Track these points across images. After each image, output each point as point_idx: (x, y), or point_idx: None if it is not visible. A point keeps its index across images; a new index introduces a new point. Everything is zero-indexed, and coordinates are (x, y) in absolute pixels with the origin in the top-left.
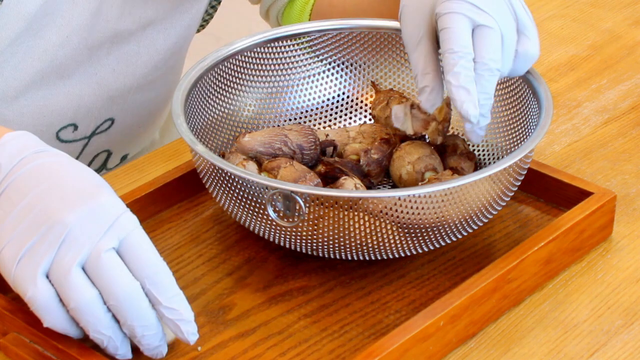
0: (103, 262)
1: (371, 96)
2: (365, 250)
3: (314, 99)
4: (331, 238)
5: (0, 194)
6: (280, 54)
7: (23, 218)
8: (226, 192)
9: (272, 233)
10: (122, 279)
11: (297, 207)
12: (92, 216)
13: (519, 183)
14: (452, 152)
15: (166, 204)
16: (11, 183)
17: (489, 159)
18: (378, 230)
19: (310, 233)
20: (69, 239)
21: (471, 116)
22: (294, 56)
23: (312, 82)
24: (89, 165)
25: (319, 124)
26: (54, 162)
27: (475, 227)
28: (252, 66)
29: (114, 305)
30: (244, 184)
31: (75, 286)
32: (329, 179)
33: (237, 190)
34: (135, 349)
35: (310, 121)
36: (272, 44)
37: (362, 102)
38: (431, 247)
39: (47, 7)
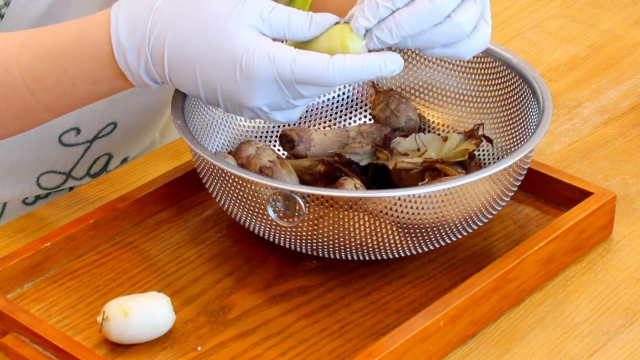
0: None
1: (371, 96)
2: (365, 250)
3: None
4: (331, 238)
5: None
6: None
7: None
8: (226, 192)
9: (272, 233)
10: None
11: (297, 207)
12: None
13: (519, 183)
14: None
15: (166, 204)
16: None
17: (489, 159)
18: (378, 230)
19: (310, 233)
20: None
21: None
22: None
23: None
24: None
25: (319, 124)
26: None
27: (475, 227)
28: None
29: None
30: (244, 184)
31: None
32: (329, 179)
33: (237, 190)
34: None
35: (310, 121)
36: None
37: (362, 102)
38: (431, 247)
39: (52, 11)
